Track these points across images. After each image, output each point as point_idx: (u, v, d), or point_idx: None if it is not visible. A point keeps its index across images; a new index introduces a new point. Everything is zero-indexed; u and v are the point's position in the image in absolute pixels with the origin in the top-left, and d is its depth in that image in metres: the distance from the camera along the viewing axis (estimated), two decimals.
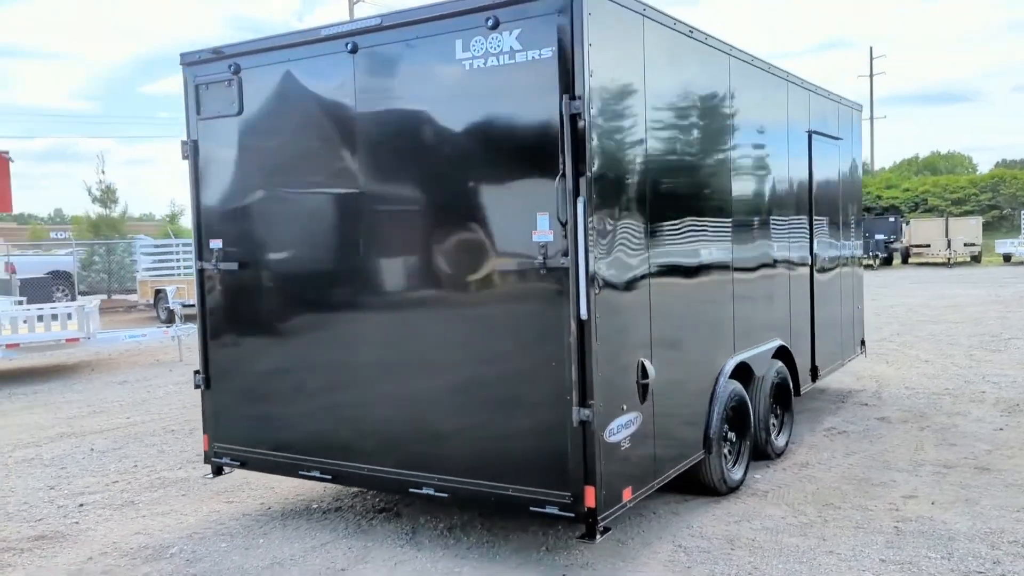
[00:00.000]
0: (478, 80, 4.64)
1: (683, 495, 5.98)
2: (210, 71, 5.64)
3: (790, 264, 7.33)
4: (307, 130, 5.30)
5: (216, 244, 5.74)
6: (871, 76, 60.31)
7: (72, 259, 26.97)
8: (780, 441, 7.01)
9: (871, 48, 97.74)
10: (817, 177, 7.94)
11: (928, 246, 36.44)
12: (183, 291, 18.13)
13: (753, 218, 6.55)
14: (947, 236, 36.01)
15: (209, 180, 5.77)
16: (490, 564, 4.93)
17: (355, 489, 6.27)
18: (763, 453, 6.78)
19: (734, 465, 6.19)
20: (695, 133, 5.60)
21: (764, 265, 6.76)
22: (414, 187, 4.98)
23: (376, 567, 4.99)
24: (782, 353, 7.12)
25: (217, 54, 5.61)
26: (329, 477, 5.41)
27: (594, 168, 4.40)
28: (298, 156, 5.37)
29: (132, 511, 6.25)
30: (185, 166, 5.81)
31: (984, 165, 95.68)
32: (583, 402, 4.40)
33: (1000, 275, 28.98)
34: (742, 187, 6.30)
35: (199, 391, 5.96)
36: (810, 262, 7.83)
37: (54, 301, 19.78)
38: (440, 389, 4.95)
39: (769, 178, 6.85)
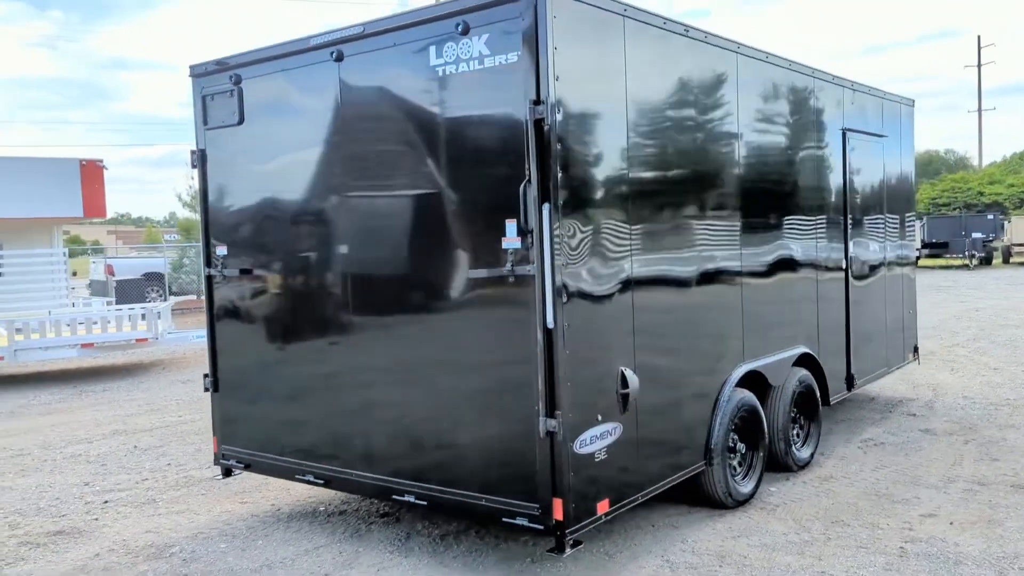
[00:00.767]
0: (451, 86, 4.61)
1: (689, 507, 5.81)
2: (215, 82, 5.77)
3: (818, 268, 7.04)
4: (300, 139, 5.37)
5: (222, 251, 5.88)
6: (979, 66, 57.28)
7: (164, 261, 28.21)
8: (804, 453, 6.73)
9: (979, 37, 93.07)
10: (854, 176, 7.59)
11: None
12: None
13: (768, 221, 6.31)
14: None
15: (215, 188, 5.91)
16: (471, 574, 4.89)
17: None
18: (783, 465, 6.53)
19: (745, 477, 5.98)
20: (692, 134, 5.43)
21: (783, 269, 6.50)
22: (393, 195, 4.99)
23: (360, 572, 5.02)
24: (807, 361, 6.84)
25: (221, 66, 5.75)
26: (322, 482, 5.47)
27: (561, 174, 4.31)
28: (292, 164, 5.45)
29: (151, 509, 6.46)
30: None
31: None
32: (550, 412, 4.32)
33: None
34: (754, 189, 6.08)
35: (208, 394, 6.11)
36: (845, 265, 7.50)
37: (147, 302, 20.72)
38: (417, 398, 4.94)
39: (789, 179, 6.59)
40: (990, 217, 36.03)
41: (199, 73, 5.89)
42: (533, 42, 4.24)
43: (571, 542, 4.45)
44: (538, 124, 4.23)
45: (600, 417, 4.58)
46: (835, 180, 7.30)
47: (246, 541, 5.65)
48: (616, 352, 4.74)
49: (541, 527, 4.43)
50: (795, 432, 6.77)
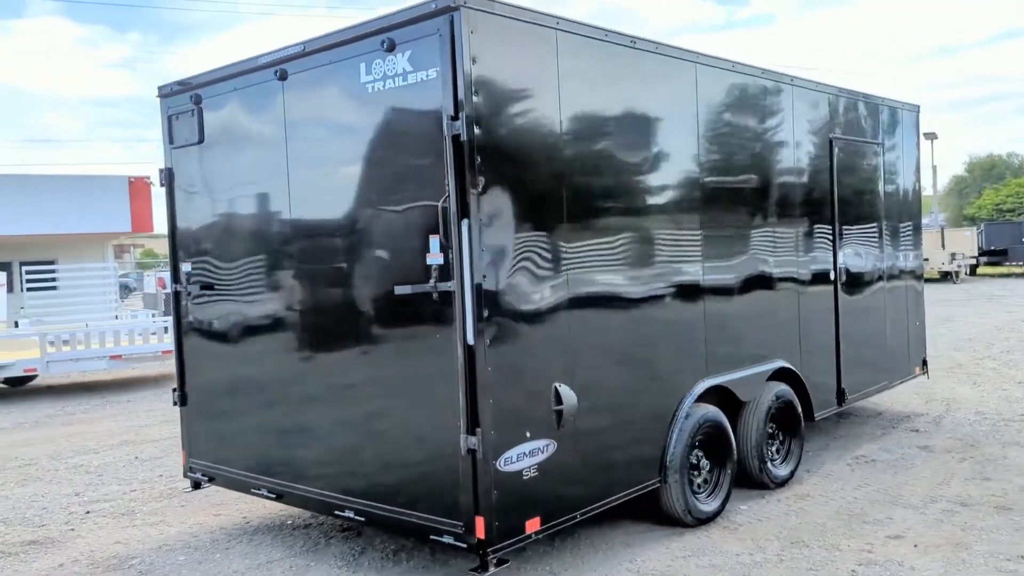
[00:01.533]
0: (379, 103, 4.63)
1: (653, 524, 5.70)
2: (179, 102, 5.89)
3: (800, 280, 6.85)
4: (251, 158, 5.44)
5: (186, 267, 5.98)
6: None
7: None
8: (782, 470, 6.54)
9: None
10: (844, 186, 7.38)
11: None
12: None
13: (736, 233, 6.16)
14: None
15: (181, 206, 6.02)
16: None
17: None
18: (759, 483, 6.36)
19: (709, 495, 5.84)
20: (643, 145, 5.34)
21: (755, 282, 6.34)
22: (330, 213, 5.01)
23: None
24: (786, 375, 6.66)
25: (183, 86, 5.86)
26: (275, 496, 5.51)
27: (482, 189, 4.28)
28: (244, 182, 5.52)
29: (128, 520, 6.59)
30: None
31: None
32: (470, 430, 4.28)
33: None
34: (718, 201, 5.95)
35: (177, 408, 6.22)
36: (834, 277, 7.29)
37: None
38: (353, 415, 4.95)
39: (761, 190, 6.43)
40: None
41: (166, 94, 6.01)
42: (449, 57, 4.23)
43: (495, 560, 4.40)
44: (456, 139, 4.22)
45: (529, 434, 4.52)
46: (821, 190, 7.11)
47: (206, 554, 5.72)
48: (551, 368, 4.67)
49: (464, 545, 4.39)
50: (774, 449, 6.60)
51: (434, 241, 4.39)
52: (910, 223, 8.57)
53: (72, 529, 6.44)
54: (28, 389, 14.84)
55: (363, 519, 4.92)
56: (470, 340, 4.26)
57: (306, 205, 5.13)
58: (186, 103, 5.81)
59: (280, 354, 5.36)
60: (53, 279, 20.26)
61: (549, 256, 4.68)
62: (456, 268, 4.26)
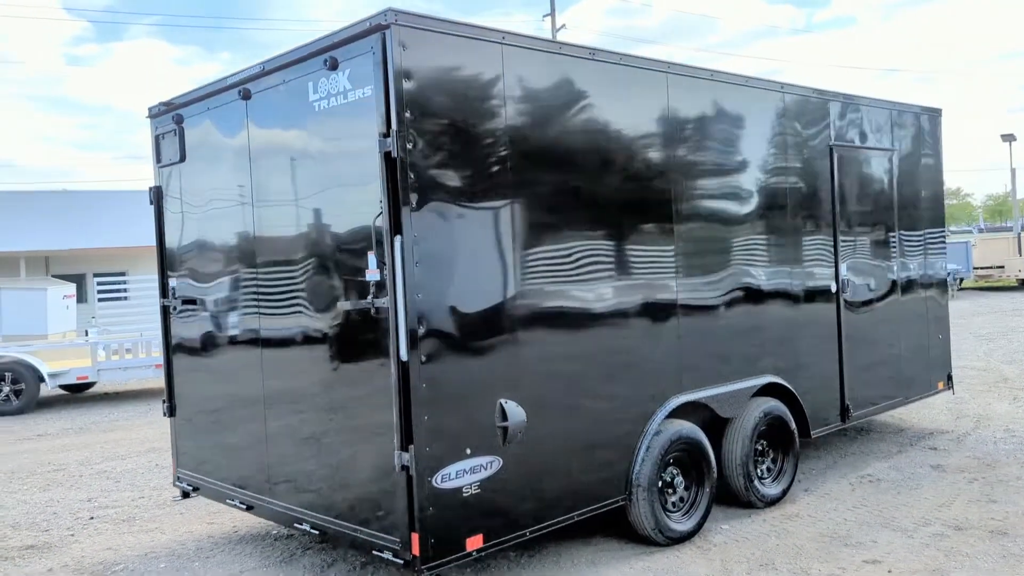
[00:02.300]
0: (324, 120, 4.68)
1: (626, 542, 5.60)
2: (164, 123, 6.07)
3: (793, 293, 6.64)
4: (223, 175, 5.56)
5: (172, 282, 6.15)
6: None
7: None
8: (772, 489, 6.34)
9: None
10: (847, 195, 7.15)
11: None
12: None
13: (717, 246, 6.02)
14: None
15: (167, 222, 6.19)
16: None
17: None
18: (745, 502, 6.19)
19: (685, 514, 5.71)
20: (604, 158, 5.26)
21: (741, 297, 6.18)
22: (286, 231, 5.08)
23: None
24: (777, 391, 6.47)
25: (167, 106, 6.04)
26: (245, 507, 5.60)
27: (415, 205, 4.29)
28: (217, 199, 5.65)
29: (126, 527, 6.79)
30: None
31: None
32: (403, 446, 4.28)
33: None
34: (695, 213, 5.83)
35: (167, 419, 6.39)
36: (835, 289, 7.04)
37: None
38: (307, 430, 5.01)
39: (747, 201, 6.26)
40: None
41: (153, 114, 6.21)
42: (382, 75, 4.25)
43: None
44: (387, 156, 4.24)
45: (469, 451, 4.50)
46: (818, 200, 6.89)
47: (186, 562, 5.85)
48: (496, 385, 4.64)
49: (401, 562, 4.39)
50: (764, 467, 6.41)
51: (372, 258, 4.41)
52: (931, 232, 8.23)
53: (72, 535, 6.67)
54: (86, 396, 15.45)
55: (318, 532, 4.97)
56: (403, 356, 4.27)
57: (266, 223, 5.22)
58: (169, 123, 5.98)
59: (246, 369, 5.46)
60: (124, 290, 21.03)
61: (495, 272, 4.65)
62: (390, 284, 4.27)
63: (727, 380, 6.05)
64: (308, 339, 4.96)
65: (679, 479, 5.73)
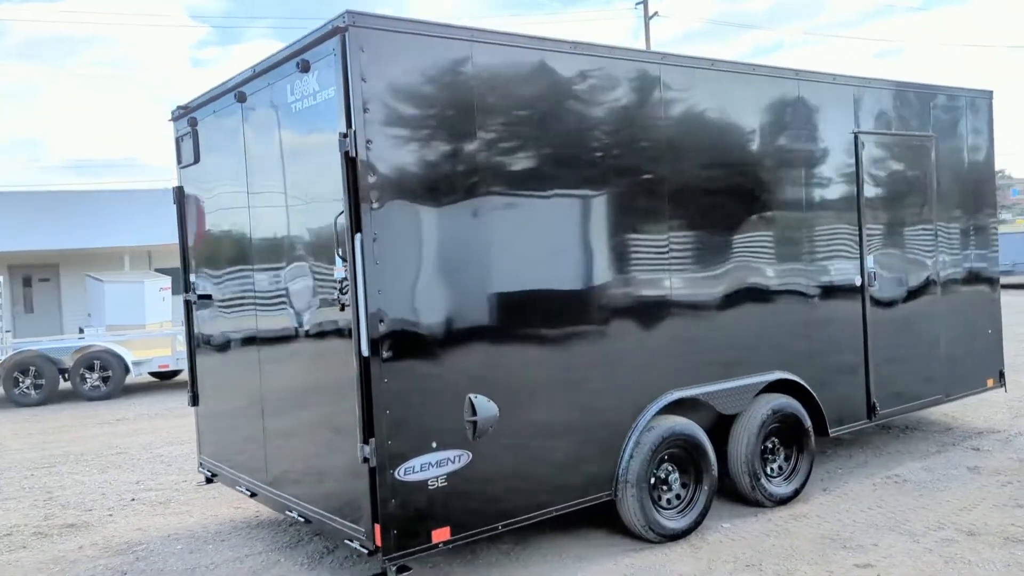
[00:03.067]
0: (299, 121, 4.82)
1: (620, 537, 5.57)
2: (183, 125, 6.35)
3: (809, 288, 6.42)
4: (226, 176, 5.79)
5: (192, 277, 6.45)
6: None
7: None
8: (782, 488, 6.18)
9: None
10: (875, 185, 6.85)
11: None
12: None
13: (718, 239, 5.88)
14: None
15: (188, 221, 6.49)
16: None
17: None
18: (752, 500, 6.06)
19: (681, 511, 5.63)
20: (586, 151, 5.21)
21: (746, 292, 6.02)
22: (275, 230, 5.25)
23: None
24: (790, 388, 6.28)
25: (184, 110, 6.31)
26: (250, 494, 5.84)
27: (377, 204, 4.38)
28: (223, 200, 5.89)
29: (160, 509, 7.17)
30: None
31: None
32: (365, 439, 4.39)
33: None
34: (690, 205, 5.71)
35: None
36: (861, 283, 6.77)
37: None
38: (292, 420, 5.18)
39: (752, 193, 6.08)
40: None
41: (175, 117, 6.50)
42: (342, 76, 4.35)
43: (395, 568, 4.49)
44: (347, 155, 4.34)
45: (435, 444, 4.57)
46: (840, 190, 6.64)
47: (201, 544, 6.15)
48: (465, 380, 4.69)
49: (367, 552, 4.51)
50: (776, 465, 6.25)
51: (338, 256, 4.53)
52: (978, 222, 7.80)
53: (111, 515, 7.08)
54: (173, 383, 16.27)
55: (303, 520, 5.14)
56: (364, 352, 4.37)
57: (259, 223, 5.41)
58: (186, 126, 6.25)
59: (248, 363, 5.68)
60: None
61: (461, 268, 4.69)
62: (351, 281, 4.38)
63: (730, 376, 5.92)
64: (293, 336, 5.13)
65: (674, 476, 5.65)
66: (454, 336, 4.67)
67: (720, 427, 6.05)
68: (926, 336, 7.29)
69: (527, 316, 4.96)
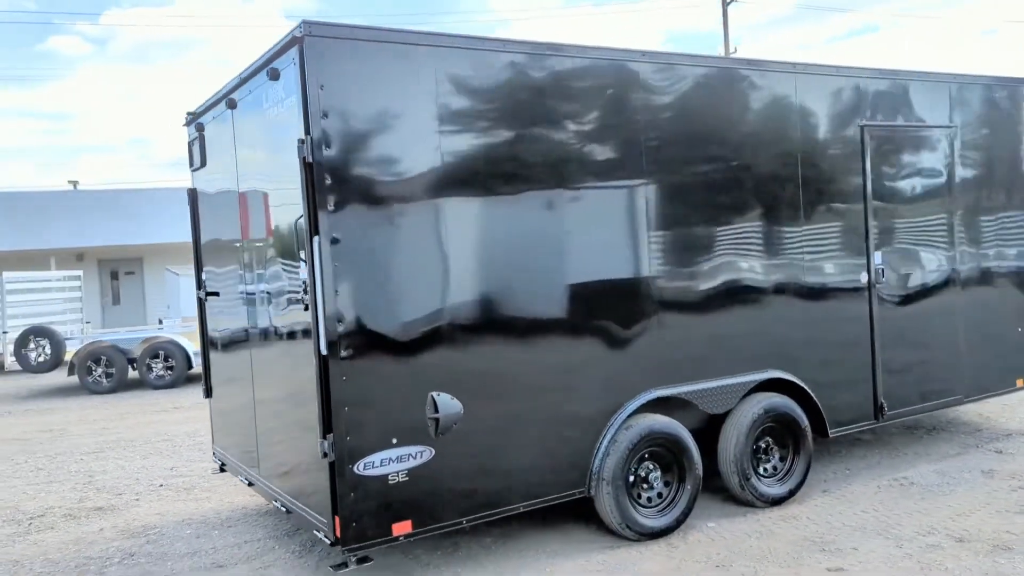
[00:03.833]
0: (272, 127, 5.01)
1: (601, 534, 5.62)
2: (192, 130, 6.64)
3: (807, 285, 6.30)
4: (224, 180, 6.04)
5: (203, 275, 6.75)
6: None
7: None
8: (775, 489, 6.10)
9: None
10: (884, 178, 6.66)
11: None
12: None
13: (705, 236, 5.82)
14: None
15: (200, 222, 6.79)
16: None
17: None
18: (742, 500, 6.01)
19: (662, 510, 5.62)
20: (555, 151, 5.24)
21: (736, 289, 5.95)
22: (258, 232, 5.47)
23: (249, 567, 5.57)
24: (785, 387, 6.19)
25: (193, 116, 6.60)
26: (247, 483, 6.10)
27: (334, 207, 4.53)
28: (221, 201, 6.15)
29: (184, 495, 7.53)
30: None
31: None
32: (324, 435, 4.55)
33: None
34: (673, 200, 5.68)
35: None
36: (866, 281, 6.60)
37: None
38: (272, 414, 5.39)
39: (742, 188, 6.00)
40: None
41: (186, 123, 6.80)
42: (300, 84, 4.51)
43: (354, 559, 4.65)
44: (304, 160, 4.50)
45: (396, 440, 4.70)
46: (843, 184, 6.48)
47: (209, 529, 6.45)
48: (428, 377, 4.80)
49: (330, 542, 4.68)
50: (770, 465, 6.17)
51: (300, 257, 4.71)
52: (1008, 217, 7.49)
53: (138, 499, 7.48)
54: None
55: (286, 510, 5.35)
56: (323, 350, 4.53)
57: (247, 223, 5.64)
58: (194, 131, 6.54)
59: (243, 357, 5.93)
60: None
61: (422, 269, 4.80)
62: (310, 282, 4.55)
63: (719, 375, 5.87)
64: (273, 334, 5.34)
65: (656, 475, 5.66)
66: (415, 335, 4.79)
67: (713, 426, 6.01)
68: (942, 335, 7.05)
69: (493, 315, 5.03)
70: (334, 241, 4.53)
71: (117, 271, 27.79)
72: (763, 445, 6.14)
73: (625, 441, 5.43)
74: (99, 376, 15.19)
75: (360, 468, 4.61)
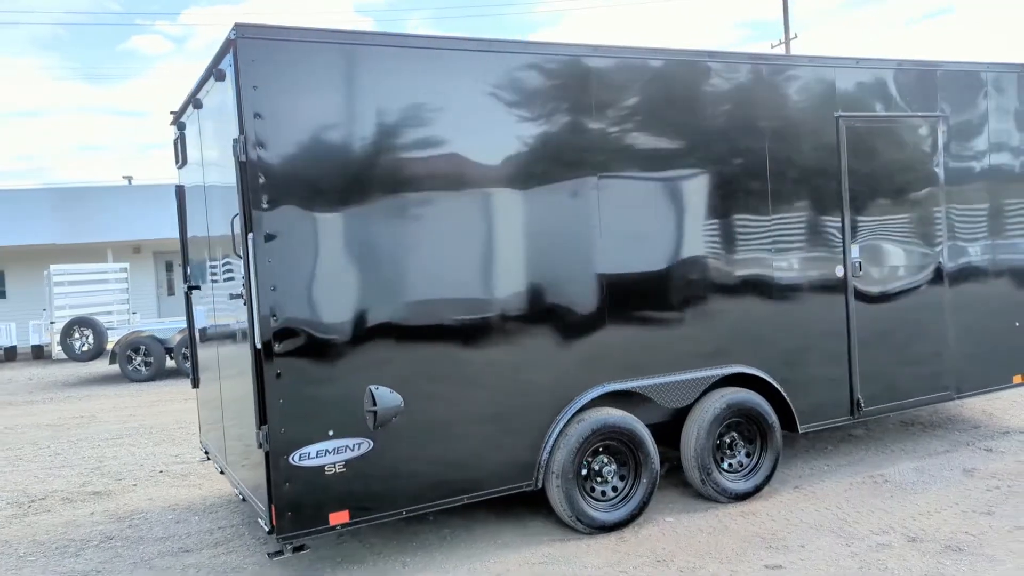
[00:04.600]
0: (220, 126, 5.15)
1: (555, 525, 5.66)
2: (175, 130, 6.85)
3: (776, 279, 6.20)
4: (198, 178, 6.23)
5: (188, 269, 6.98)
6: None
7: None
8: (739, 484, 6.04)
9: None
10: (863, 170, 6.51)
11: None
12: None
13: (661, 230, 5.79)
14: None
15: (186, 218, 7.01)
16: (274, 570, 5.40)
17: None
18: (704, 495, 5.98)
19: (615, 505, 5.63)
20: (492, 146, 5.28)
21: (697, 283, 5.90)
22: (221, 229, 5.62)
23: (211, 552, 5.77)
24: (752, 382, 6.12)
25: (175, 115, 6.81)
26: (220, 471, 6.30)
27: (266, 205, 4.65)
28: (191, 199, 6.35)
29: (179, 481, 7.80)
30: None
31: None
32: (259, 426, 4.70)
33: None
34: (628, 192, 5.67)
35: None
36: (843, 275, 6.47)
37: None
38: (232, 406, 5.57)
39: (708, 177, 5.94)
40: None
41: (172, 122, 7.01)
42: (235, 84, 4.64)
43: (290, 548, 4.79)
44: (238, 159, 4.63)
45: (332, 432, 4.82)
46: (817, 176, 6.36)
47: (190, 515, 6.68)
48: (366, 371, 4.90)
49: (267, 530, 4.82)
50: (736, 461, 6.12)
51: (237, 254, 4.85)
52: (1000, 205, 7.24)
53: (135, 485, 7.78)
54: None
55: (243, 499, 5.52)
56: (258, 345, 4.67)
57: (213, 223, 5.82)
58: (176, 131, 6.75)
59: (212, 349, 6.13)
60: None
61: (360, 266, 4.89)
62: (245, 278, 4.68)
63: (678, 369, 5.84)
64: (230, 328, 5.51)
65: (610, 468, 5.66)
66: (352, 331, 4.89)
67: (681, 421, 6.00)
68: (928, 330, 6.87)
69: (433, 310, 5.10)
70: (268, 238, 4.66)
71: (172, 263, 28.63)
72: (728, 440, 6.09)
73: (576, 435, 5.45)
74: (138, 365, 15.75)
75: (295, 459, 4.74)
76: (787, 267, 6.26)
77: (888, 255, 6.68)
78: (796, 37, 30.96)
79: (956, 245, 6.99)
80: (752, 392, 6.10)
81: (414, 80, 5.05)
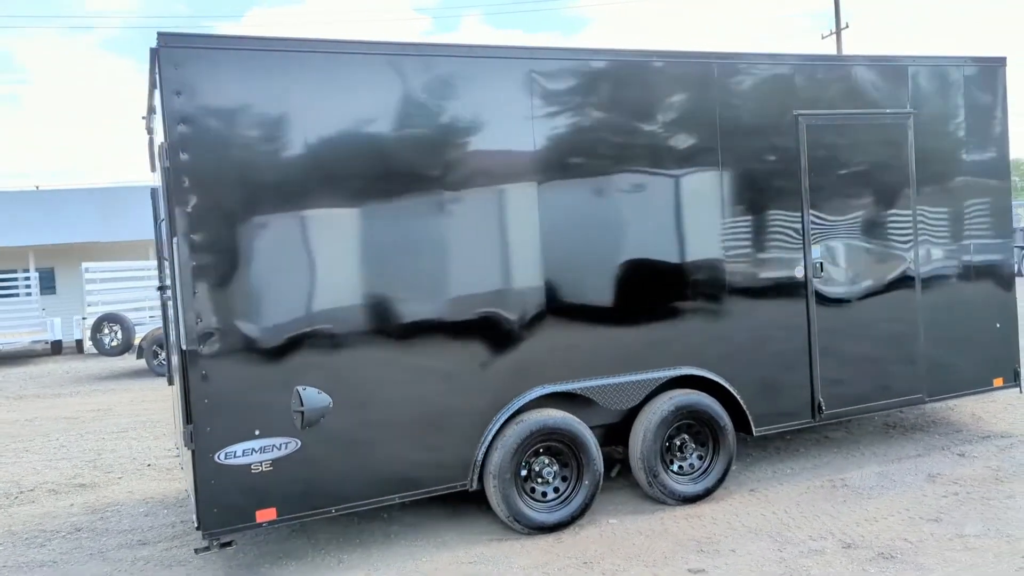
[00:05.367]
0: (159, 131, 5.29)
1: (498, 526, 5.69)
2: (147, 133, 7.04)
3: (728, 281, 6.13)
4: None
5: (162, 271, 7.16)
6: None
7: None
8: (688, 487, 5.99)
9: None
10: (824, 168, 6.39)
11: None
12: None
13: (604, 224, 5.76)
14: None
15: (159, 220, 7.19)
16: (204, 571, 5.53)
17: None
18: (651, 498, 5.95)
19: (554, 506, 5.64)
20: (427, 150, 5.31)
21: (640, 284, 5.86)
22: (163, 228, 5.78)
23: (155, 549, 5.94)
24: (706, 384, 6.06)
25: (145, 120, 7.00)
26: (181, 467, 6.46)
27: (191, 209, 4.77)
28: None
29: (163, 475, 8.02)
30: None
31: None
32: (185, 424, 4.83)
33: None
34: (571, 190, 5.66)
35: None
36: (802, 276, 6.36)
37: None
38: (176, 402, 5.70)
39: (660, 183, 5.90)
40: None
41: (145, 127, 7.21)
42: (160, 91, 4.77)
43: (217, 545, 4.92)
44: (163, 164, 4.76)
45: (258, 432, 4.92)
46: (774, 175, 6.26)
47: (162, 508, 6.88)
48: (293, 373, 4.99)
49: (195, 527, 4.95)
50: (687, 463, 6.07)
51: (164, 258, 4.98)
52: (982, 208, 7.03)
53: (120, 478, 8.02)
54: None
55: (188, 495, 5.67)
56: (183, 346, 4.80)
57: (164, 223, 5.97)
58: (147, 134, 6.94)
59: (171, 348, 6.29)
60: None
61: (286, 269, 4.97)
62: (171, 280, 4.81)
63: (623, 371, 5.82)
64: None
65: (551, 470, 5.67)
66: (278, 332, 4.98)
67: (629, 423, 5.98)
68: (897, 332, 6.71)
69: (363, 313, 5.17)
70: (192, 242, 4.78)
71: None
72: (679, 443, 6.05)
73: (514, 436, 5.47)
74: (163, 359, 16.16)
75: (220, 457, 4.85)
76: (743, 268, 6.18)
77: (853, 255, 6.55)
78: (847, 27, 30.31)
79: (928, 247, 6.81)
80: (703, 394, 6.04)
81: (336, 85, 5.11)
